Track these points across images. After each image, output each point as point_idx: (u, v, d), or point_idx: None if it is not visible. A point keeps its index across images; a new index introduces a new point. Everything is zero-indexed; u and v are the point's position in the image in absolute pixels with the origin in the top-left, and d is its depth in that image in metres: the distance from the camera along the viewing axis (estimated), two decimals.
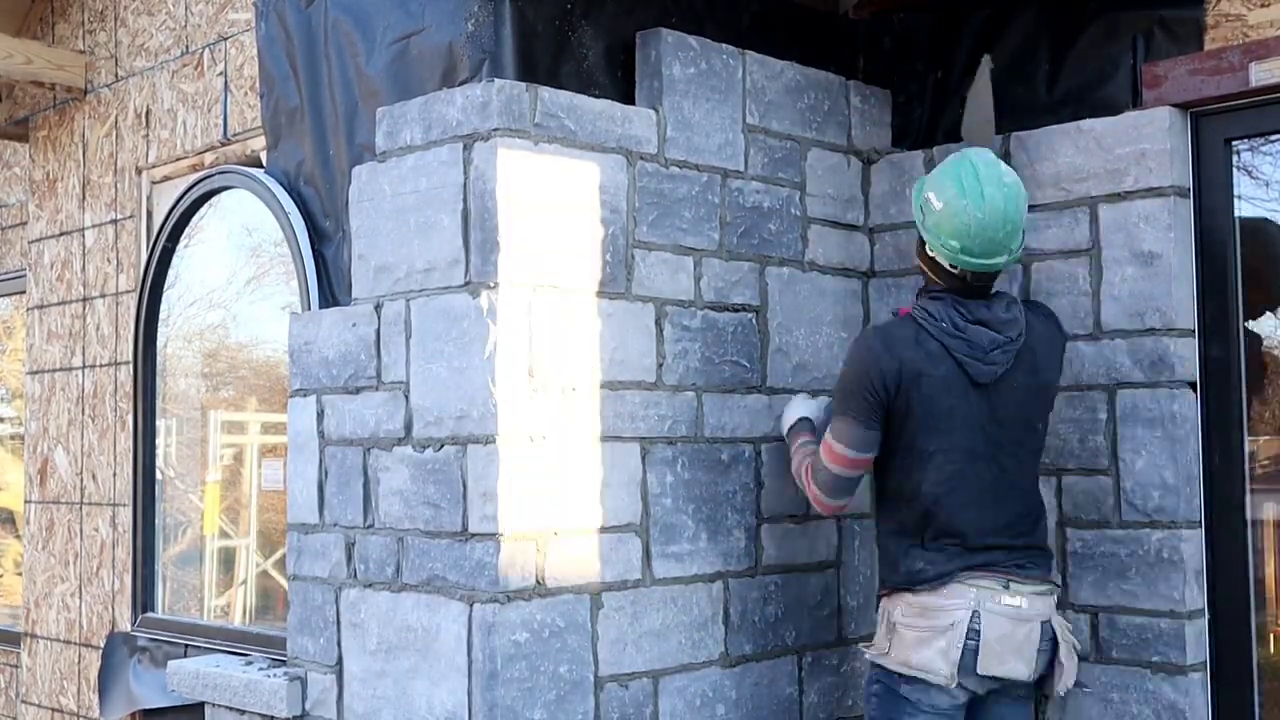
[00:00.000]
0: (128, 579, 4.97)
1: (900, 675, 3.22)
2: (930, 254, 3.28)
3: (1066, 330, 3.53)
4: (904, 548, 3.27)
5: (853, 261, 4.06)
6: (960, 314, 3.22)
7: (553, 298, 3.29)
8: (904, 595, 3.25)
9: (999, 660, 3.16)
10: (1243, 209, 3.56)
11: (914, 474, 3.25)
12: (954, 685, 3.15)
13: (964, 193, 3.17)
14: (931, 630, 3.18)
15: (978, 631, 3.15)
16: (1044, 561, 3.31)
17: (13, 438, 6.70)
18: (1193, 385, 3.50)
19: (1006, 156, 3.77)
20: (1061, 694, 3.28)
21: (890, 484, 3.34)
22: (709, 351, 3.63)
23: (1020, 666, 3.18)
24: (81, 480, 5.35)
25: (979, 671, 3.15)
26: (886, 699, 3.27)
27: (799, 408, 3.69)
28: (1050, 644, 3.24)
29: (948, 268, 3.23)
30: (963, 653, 3.14)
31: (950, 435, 3.21)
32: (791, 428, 3.64)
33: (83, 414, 5.35)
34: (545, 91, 3.31)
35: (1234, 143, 3.55)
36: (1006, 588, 3.18)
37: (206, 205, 4.67)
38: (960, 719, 3.25)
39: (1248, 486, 3.50)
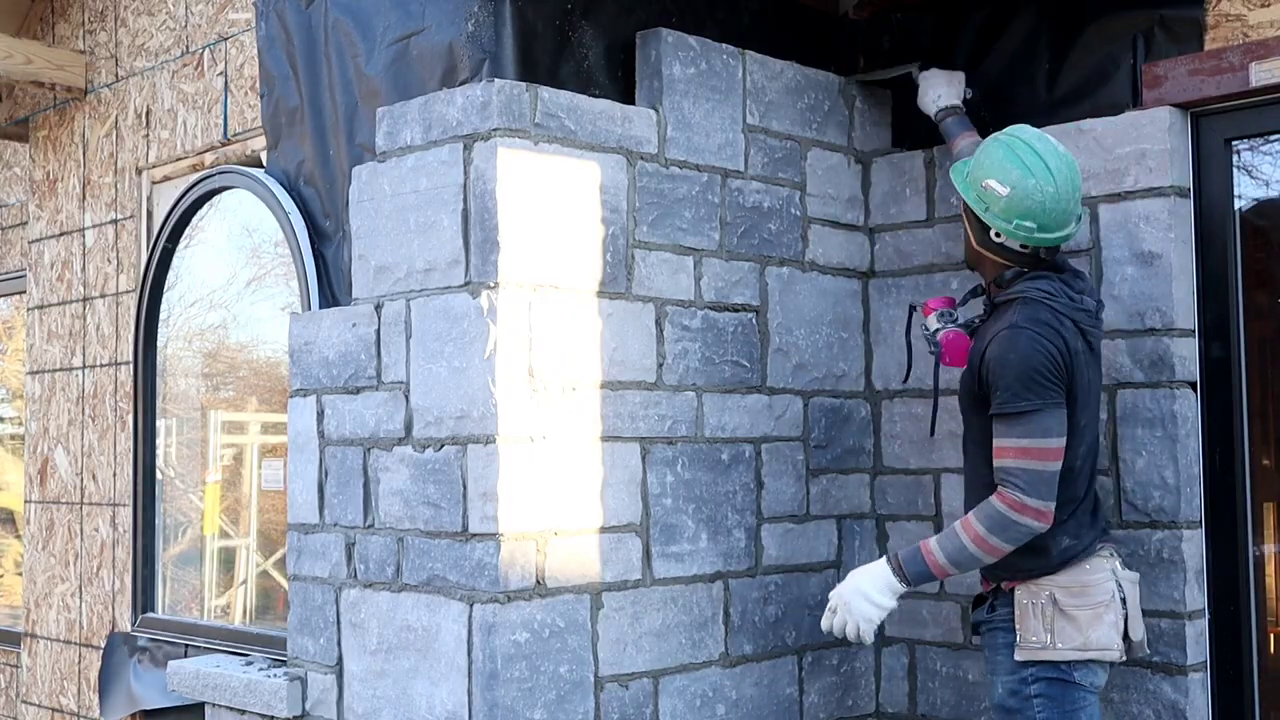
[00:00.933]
0: (128, 579, 4.97)
1: (1074, 663, 3.08)
2: (996, 239, 3.19)
3: None
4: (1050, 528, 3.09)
5: (853, 261, 4.06)
6: (1068, 287, 3.17)
7: (553, 298, 3.29)
8: (1050, 579, 3.11)
9: (1137, 625, 3.15)
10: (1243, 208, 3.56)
11: (1066, 453, 3.10)
12: (1123, 658, 3.12)
13: (1030, 172, 3.11)
14: (1097, 606, 3.08)
15: (1124, 600, 3.12)
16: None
17: (13, 438, 6.69)
18: (1193, 385, 3.50)
19: None
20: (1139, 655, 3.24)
21: None
22: (709, 351, 3.63)
23: (1142, 629, 3.19)
24: (82, 480, 5.35)
25: (1132, 638, 3.13)
26: (1058, 695, 3.08)
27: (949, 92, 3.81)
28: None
29: (1018, 248, 3.17)
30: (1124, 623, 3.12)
31: (1089, 408, 3.17)
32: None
33: (83, 414, 5.35)
34: (545, 91, 3.31)
35: (1234, 143, 3.54)
36: (1114, 555, 3.18)
37: (207, 205, 4.67)
38: None
39: (1248, 486, 3.50)
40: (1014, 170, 3.12)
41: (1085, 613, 3.07)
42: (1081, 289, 3.21)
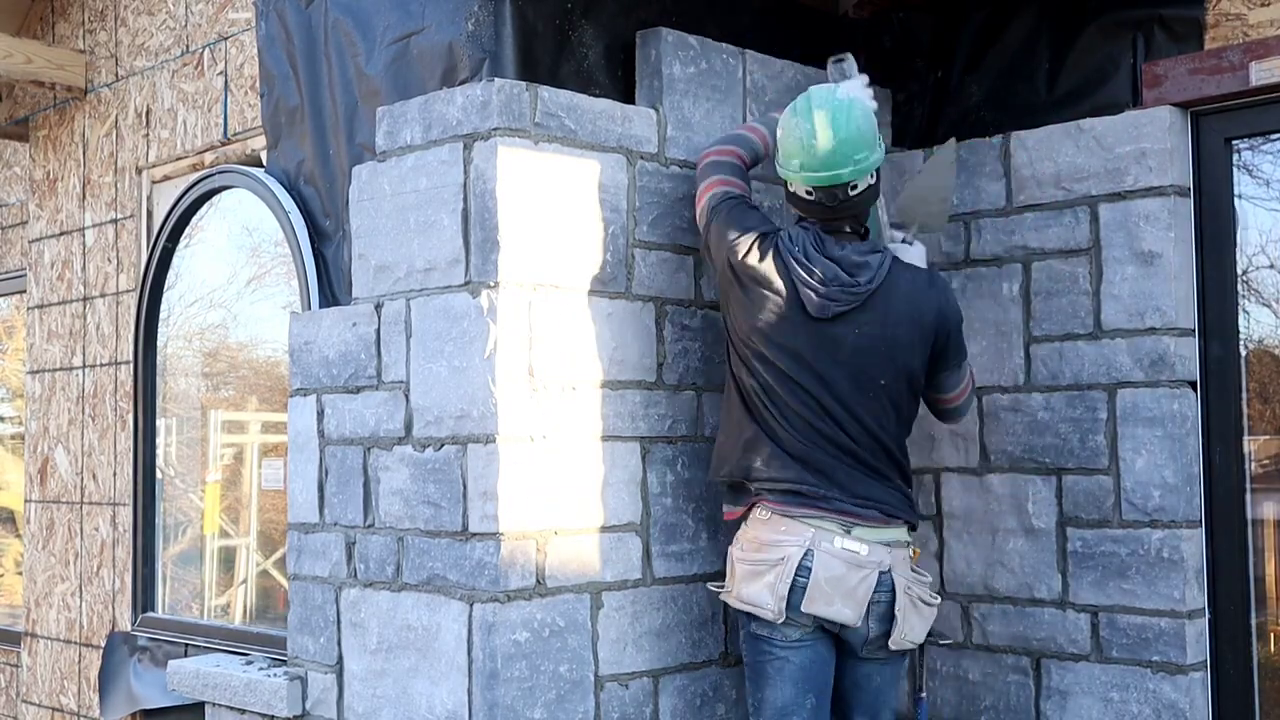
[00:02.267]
0: (128, 578, 4.97)
1: (746, 614, 3.28)
2: (790, 189, 3.33)
3: (1069, 329, 3.54)
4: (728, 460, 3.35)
5: None
6: (814, 245, 3.26)
7: (553, 297, 3.29)
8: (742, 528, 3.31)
9: (824, 601, 3.14)
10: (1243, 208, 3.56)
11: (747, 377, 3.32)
12: (780, 619, 3.17)
13: (795, 112, 3.29)
14: (758, 565, 3.22)
15: (806, 568, 3.15)
16: (891, 515, 3.26)
17: (13, 437, 6.70)
18: (1193, 385, 3.50)
19: (1006, 157, 3.77)
20: (895, 647, 3.22)
21: None
22: (709, 351, 3.63)
23: (846, 610, 3.14)
24: (82, 480, 5.35)
25: (807, 609, 3.15)
26: (749, 640, 3.31)
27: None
28: (887, 595, 3.19)
29: (804, 195, 3.28)
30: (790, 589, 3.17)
31: (783, 356, 3.24)
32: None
33: (83, 413, 5.35)
34: (545, 91, 3.31)
35: (1234, 142, 3.54)
36: (848, 532, 3.18)
37: (207, 205, 4.68)
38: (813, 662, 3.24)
39: (1248, 486, 3.50)
40: (787, 115, 3.32)
41: (744, 567, 3.23)
42: (845, 261, 3.23)
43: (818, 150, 3.22)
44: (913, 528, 3.34)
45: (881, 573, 3.18)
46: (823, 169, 3.23)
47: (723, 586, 3.34)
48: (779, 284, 3.24)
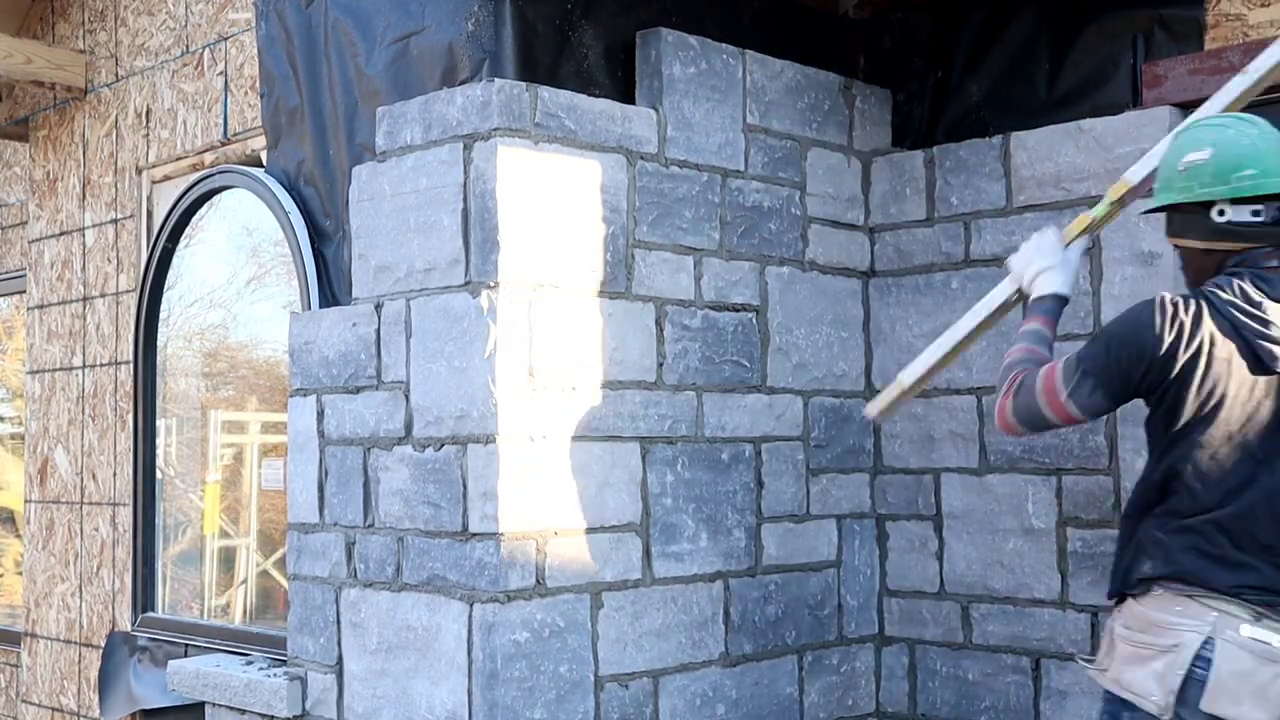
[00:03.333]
0: (128, 579, 4.97)
1: (1119, 698, 2.74)
2: (1220, 219, 2.67)
3: (1069, 329, 3.52)
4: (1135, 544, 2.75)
5: (853, 261, 4.06)
6: (1257, 288, 2.62)
7: (553, 297, 3.29)
8: (1124, 605, 2.77)
9: (1232, 701, 2.57)
10: None
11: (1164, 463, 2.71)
12: (1165, 715, 2.62)
13: (1226, 125, 2.72)
14: (1149, 647, 2.68)
15: (1207, 661, 2.58)
16: None
17: (13, 437, 6.70)
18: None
19: (1006, 157, 3.77)
20: None
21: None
22: (709, 351, 3.63)
23: (1257, 714, 2.56)
24: (82, 480, 5.35)
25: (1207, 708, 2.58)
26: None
27: (1055, 278, 2.98)
28: None
29: (1248, 219, 2.65)
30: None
31: (1222, 425, 2.63)
32: (1039, 299, 2.98)
33: (83, 414, 5.35)
34: (545, 91, 3.31)
35: None
36: (1258, 621, 2.60)
37: (207, 205, 4.68)
38: None
39: None
40: (1208, 135, 2.71)
41: (1128, 648, 2.69)
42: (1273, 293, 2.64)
43: (1272, 150, 2.64)
44: None
45: None
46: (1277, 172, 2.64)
47: (1093, 661, 2.83)
48: (1225, 350, 2.61)
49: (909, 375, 3.20)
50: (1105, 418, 3.53)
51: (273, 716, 3.77)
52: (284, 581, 4.25)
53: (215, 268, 4.81)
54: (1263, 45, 3.37)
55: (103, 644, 5.09)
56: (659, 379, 3.51)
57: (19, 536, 6.37)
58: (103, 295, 5.29)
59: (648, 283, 3.50)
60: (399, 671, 3.40)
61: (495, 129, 3.21)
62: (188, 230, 4.79)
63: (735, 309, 3.72)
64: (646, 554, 3.45)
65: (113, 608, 5.12)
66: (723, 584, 3.63)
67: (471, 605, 3.19)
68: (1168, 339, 2.61)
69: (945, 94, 4.02)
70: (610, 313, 3.41)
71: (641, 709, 3.42)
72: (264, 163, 4.34)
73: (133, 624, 4.89)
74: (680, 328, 3.57)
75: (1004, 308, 3.13)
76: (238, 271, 4.76)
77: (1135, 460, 3.50)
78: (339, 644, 3.59)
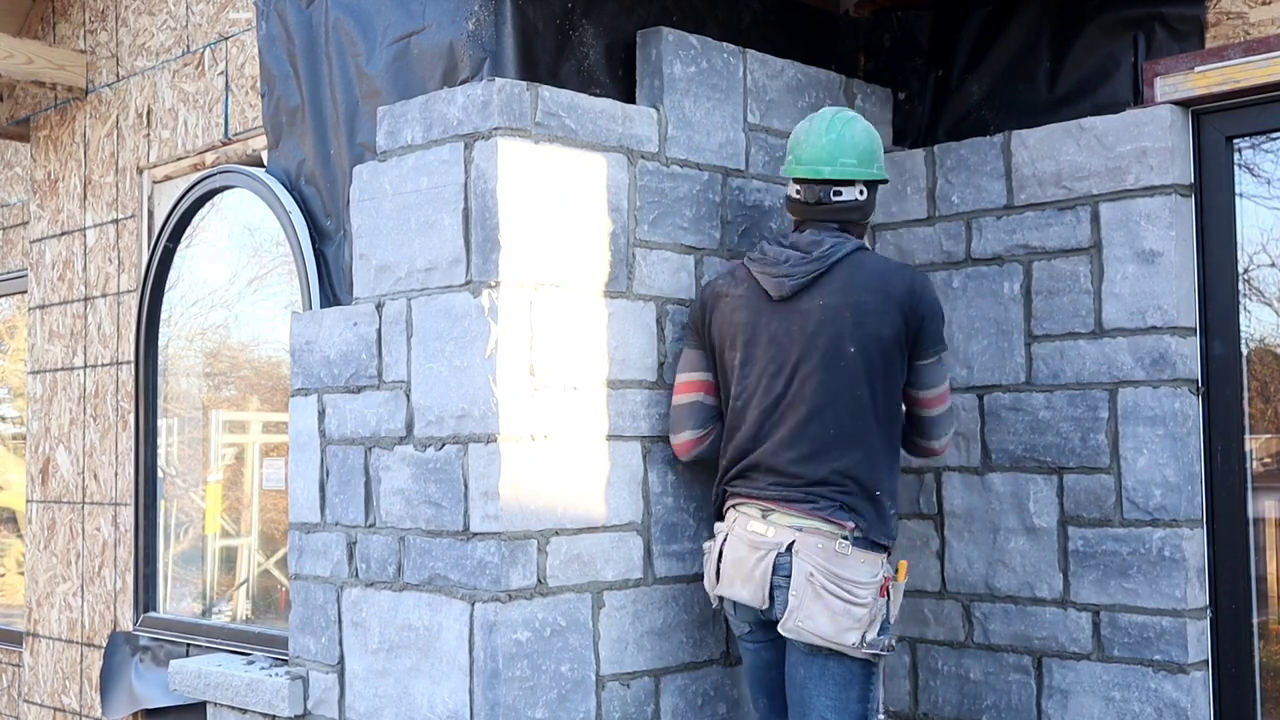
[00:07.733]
0: (129, 578, 4.97)
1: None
2: (788, 195, 3.42)
3: (1070, 328, 3.53)
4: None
5: None
6: (777, 241, 3.37)
7: (554, 296, 3.29)
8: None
9: (729, 583, 3.24)
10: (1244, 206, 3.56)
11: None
12: (715, 604, 3.36)
13: (808, 118, 3.44)
14: (710, 552, 3.34)
15: (721, 554, 3.28)
16: (821, 497, 3.16)
17: (14, 437, 6.70)
18: (1194, 384, 3.50)
19: (1007, 156, 3.77)
20: (789, 634, 3.10)
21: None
22: None
23: (743, 592, 3.19)
24: (83, 480, 5.35)
25: (717, 592, 3.29)
26: None
27: None
28: (786, 579, 3.13)
29: (793, 194, 3.38)
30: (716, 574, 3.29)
31: (749, 349, 3.31)
32: None
33: (84, 414, 5.36)
34: (546, 90, 3.31)
35: (1235, 140, 3.54)
36: (764, 516, 3.23)
37: (208, 205, 4.68)
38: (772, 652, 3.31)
39: (1249, 485, 3.50)
40: (801, 124, 3.45)
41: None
42: (799, 243, 3.31)
43: (807, 143, 3.34)
44: (859, 516, 3.15)
45: (779, 554, 3.14)
46: (809, 162, 3.32)
47: None
48: (742, 288, 3.35)
49: None
50: (1106, 417, 3.54)
51: (274, 716, 3.77)
52: (285, 581, 4.26)
53: (216, 267, 4.81)
54: (1264, 43, 3.38)
55: (104, 644, 5.10)
56: (660, 378, 3.51)
57: (21, 536, 6.37)
58: (104, 295, 5.29)
59: (649, 282, 3.50)
60: (400, 671, 3.40)
61: (496, 128, 3.21)
62: (189, 230, 4.79)
63: None
64: (648, 553, 3.45)
65: (114, 607, 5.12)
66: None
67: (473, 605, 3.19)
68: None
69: (946, 93, 4.02)
70: (611, 312, 3.41)
71: (643, 708, 3.42)
72: (265, 162, 4.34)
73: (134, 624, 4.89)
74: (681, 327, 3.57)
75: None
76: (239, 271, 4.77)
77: (1137, 459, 3.50)
78: (340, 643, 3.59)
